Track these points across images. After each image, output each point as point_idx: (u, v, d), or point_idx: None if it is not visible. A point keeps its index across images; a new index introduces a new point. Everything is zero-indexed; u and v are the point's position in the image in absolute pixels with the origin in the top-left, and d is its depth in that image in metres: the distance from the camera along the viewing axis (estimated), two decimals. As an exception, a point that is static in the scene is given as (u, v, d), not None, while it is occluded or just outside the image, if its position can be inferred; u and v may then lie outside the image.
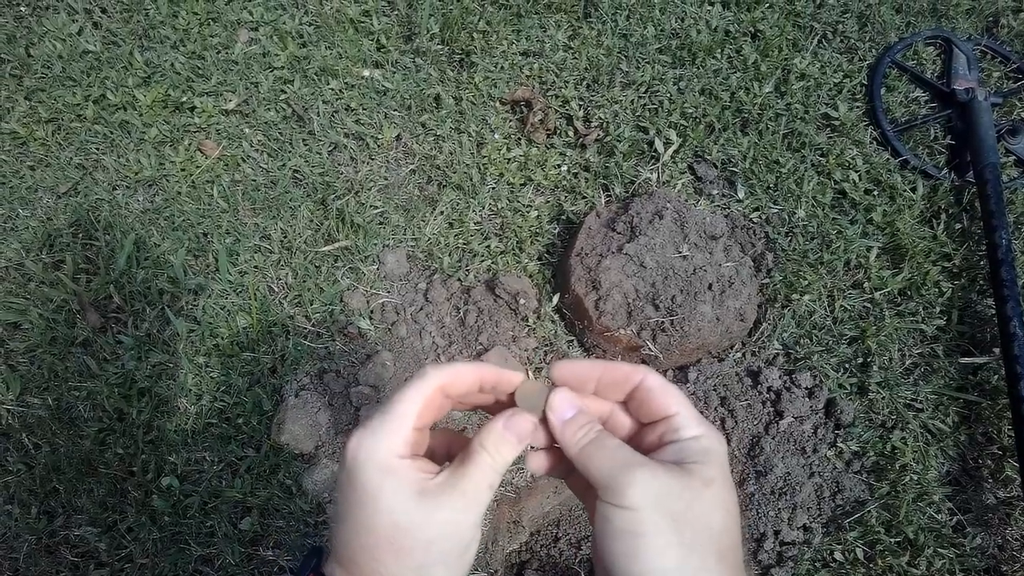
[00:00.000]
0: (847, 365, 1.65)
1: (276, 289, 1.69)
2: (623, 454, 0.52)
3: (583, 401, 0.57)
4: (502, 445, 0.54)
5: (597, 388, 0.58)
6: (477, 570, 1.46)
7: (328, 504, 1.49)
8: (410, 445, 0.52)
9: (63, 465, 1.51)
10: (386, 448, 0.50)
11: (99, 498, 1.50)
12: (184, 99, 1.87)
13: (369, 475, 0.50)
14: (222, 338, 1.61)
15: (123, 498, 1.50)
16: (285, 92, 1.90)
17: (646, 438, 0.56)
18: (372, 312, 1.69)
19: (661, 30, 1.97)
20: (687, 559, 0.47)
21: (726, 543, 0.49)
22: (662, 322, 1.55)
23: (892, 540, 1.47)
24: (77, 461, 1.52)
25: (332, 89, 1.91)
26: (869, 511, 1.49)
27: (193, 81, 1.89)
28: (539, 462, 0.60)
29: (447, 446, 0.61)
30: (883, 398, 1.60)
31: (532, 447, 0.59)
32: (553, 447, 0.58)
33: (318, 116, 1.87)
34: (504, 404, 0.59)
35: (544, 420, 0.57)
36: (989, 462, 1.57)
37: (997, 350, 1.63)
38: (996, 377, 1.62)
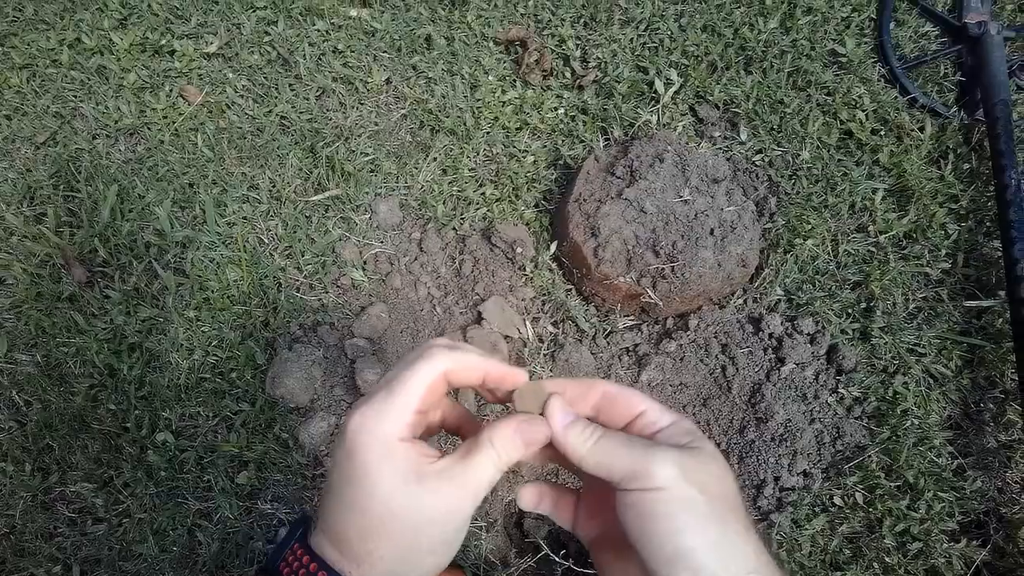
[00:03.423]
0: (850, 310, 1.57)
1: (266, 240, 1.59)
2: (637, 442, 0.51)
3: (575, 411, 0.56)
4: (511, 447, 0.52)
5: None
6: (477, 519, 1.41)
7: (325, 457, 1.43)
8: (411, 428, 0.51)
9: (55, 422, 1.45)
10: (387, 430, 0.49)
11: (93, 454, 1.43)
12: (163, 42, 1.73)
13: (368, 456, 0.48)
14: (212, 291, 1.52)
15: (118, 454, 1.44)
16: (269, 34, 1.76)
17: None
18: (365, 263, 1.60)
19: (661, -37, 1.82)
20: (723, 529, 0.47)
21: (743, 509, 0.49)
22: (662, 269, 1.46)
23: (892, 484, 1.42)
24: (69, 418, 1.45)
25: (318, 30, 1.77)
26: (869, 456, 1.43)
27: (172, 23, 1.75)
28: (529, 498, 0.60)
29: (443, 417, 0.60)
30: (886, 343, 1.53)
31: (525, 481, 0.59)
32: (541, 484, 0.60)
33: (304, 59, 1.74)
34: (491, 391, 0.58)
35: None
36: (991, 406, 1.51)
37: (1003, 293, 1.55)
38: (1000, 320, 1.54)
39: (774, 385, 1.48)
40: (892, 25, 1.81)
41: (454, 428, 0.61)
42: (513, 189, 1.67)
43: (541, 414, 0.54)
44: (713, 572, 0.45)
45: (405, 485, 0.48)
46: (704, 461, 0.49)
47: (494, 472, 0.51)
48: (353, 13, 1.79)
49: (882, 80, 1.76)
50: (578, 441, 0.52)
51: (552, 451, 0.56)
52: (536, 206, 1.68)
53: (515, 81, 1.76)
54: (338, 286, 1.57)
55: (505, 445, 0.52)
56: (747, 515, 0.49)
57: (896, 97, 1.73)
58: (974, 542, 1.39)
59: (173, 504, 1.40)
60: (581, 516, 0.59)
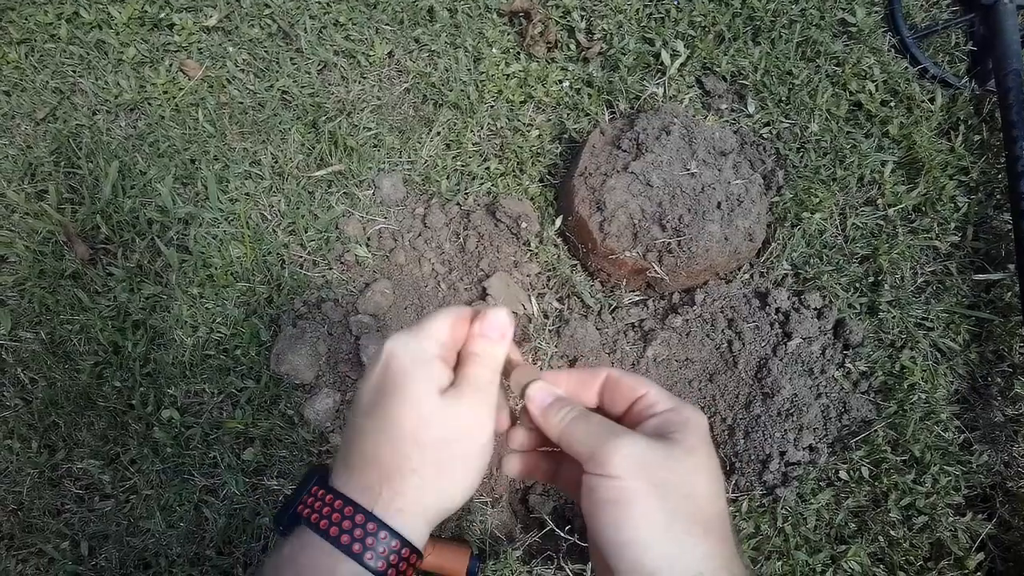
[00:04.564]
0: (857, 284, 1.51)
1: (269, 217, 1.54)
2: (605, 426, 0.50)
3: (561, 391, 0.56)
4: (487, 345, 0.53)
5: (569, 393, 0.57)
6: (482, 495, 1.38)
7: (331, 433, 1.39)
8: (442, 348, 0.52)
9: (61, 399, 1.41)
10: (421, 345, 0.51)
11: (100, 431, 1.40)
12: (162, 15, 1.66)
13: (403, 367, 0.49)
14: (215, 268, 1.47)
15: (124, 431, 1.40)
16: (269, 6, 1.69)
17: (625, 423, 0.54)
18: (369, 239, 1.55)
19: (668, -69, 1.74)
20: (671, 528, 0.45)
21: (711, 512, 0.47)
22: (669, 243, 1.41)
23: (898, 459, 1.38)
24: (75, 395, 1.41)
25: (319, 2, 1.70)
26: (875, 430, 1.39)
27: (170, -4, 1.68)
28: (514, 465, 0.59)
29: None
30: (893, 317, 1.48)
31: (513, 450, 0.59)
32: (533, 451, 0.58)
33: (305, 32, 1.67)
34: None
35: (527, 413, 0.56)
36: (999, 380, 1.46)
37: (1012, 266, 1.49)
38: (1009, 294, 1.49)
39: (780, 360, 1.43)
40: (903, -7, 1.73)
41: None
42: (518, 163, 1.61)
43: (522, 396, 0.55)
44: (649, 568, 0.44)
45: (435, 395, 0.49)
46: (673, 455, 0.47)
47: (491, 374, 0.53)
48: (354, -15, 1.71)
49: (892, 50, 1.69)
50: (553, 420, 0.52)
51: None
52: (541, 180, 1.62)
53: (519, 53, 1.69)
54: (342, 262, 1.52)
55: (481, 345, 0.53)
56: (715, 517, 0.47)
57: (906, 68, 1.66)
58: (980, 516, 1.36)
59: (179, 480, 1.37)
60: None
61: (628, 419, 0.54)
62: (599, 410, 0.56)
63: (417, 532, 0.48)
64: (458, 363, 0.57)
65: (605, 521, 0.46)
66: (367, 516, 0.47)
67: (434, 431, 0.48)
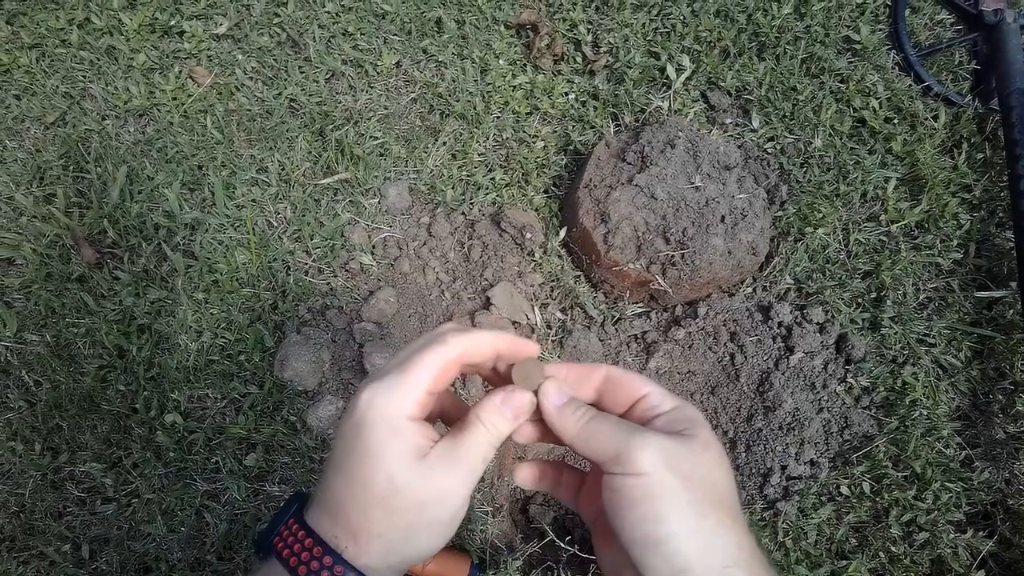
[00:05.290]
0: (860, 300, 1.52)
1: (275, 223, 1.55)
2: (625, 426, 0.50)
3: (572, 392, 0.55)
4: (498, 420, 0.51)
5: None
6: (483, 504, 1.38)
7: (333, 439, 1.39)
8: (420, 407, 0.50)
9: (65, 402, 1.41)
10: (397, 408, 0.48)
11: (103, 435, 1.40)
12: (172, 23, 1.67)
13: (376, 432, 0.47)
14: (221, 274, 1.47)
15: (127, 435, 1.40)
16: (279, 15, 1.70)
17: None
18: (374, 247, 1.55)
19: (674, -53, 1.75)
20: (703, 519, 0.45)
21: (730, 502, 0.48)
22: (672, 256, 1.41)
23: (899, 474, 1.38)
24: (79, 398, 1.41)
25: (328, 12, 1.71)
26: (877, 446, 1.39)
27: (181, 3, 1.70)
28: (525, 475, 0.59)
29: (440, 407, 0.58)
30: (895, 333, 1.48)
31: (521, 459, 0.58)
32: (538, 462, 0.59)
33: (314, 41, 1.68)
34: (500, 374, 0.57)
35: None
36: (1000, 397, 1.46)
37: (1014, 284, 1.50)
38: (1011, 311, 1.49)
39: (783, 374, 1.43)
40: (907, 12, 1.74)
41: (452, 419, 0.60)
42: (523, 174, 1.61)
43: (536, 392, 0.53)
44: (686, 560, 0.44)
45: (409, 463, 0.47)
46: (693, 450, 0.48)
47: (487, 448, 0.51)
48: (363, -5, 1.73)
49: (896, 68, 1.69)
50: (569, 422, 0.51)
51: (553, 433, 0.55)
52: (546, 192, 1.62)
53: (526, 65, 1.70)
54: (347, 270, 1.52)
55: (493, 418, 0.51)
56: (736, 508, 0.48)
57: (910, 85, 1.67)
58: (981, 533, 1.35)
59: (181, 485, 1.37)
60: (584, 496, 0.57)
61: (630, 419, 0.53)
62: (597, 407, 0.56)
63: None
64: (454, 413, 0.57)
65: (635, 519, 0.45)
66: (335, 559, 0.47)
67: (406, 499, 0.47)
